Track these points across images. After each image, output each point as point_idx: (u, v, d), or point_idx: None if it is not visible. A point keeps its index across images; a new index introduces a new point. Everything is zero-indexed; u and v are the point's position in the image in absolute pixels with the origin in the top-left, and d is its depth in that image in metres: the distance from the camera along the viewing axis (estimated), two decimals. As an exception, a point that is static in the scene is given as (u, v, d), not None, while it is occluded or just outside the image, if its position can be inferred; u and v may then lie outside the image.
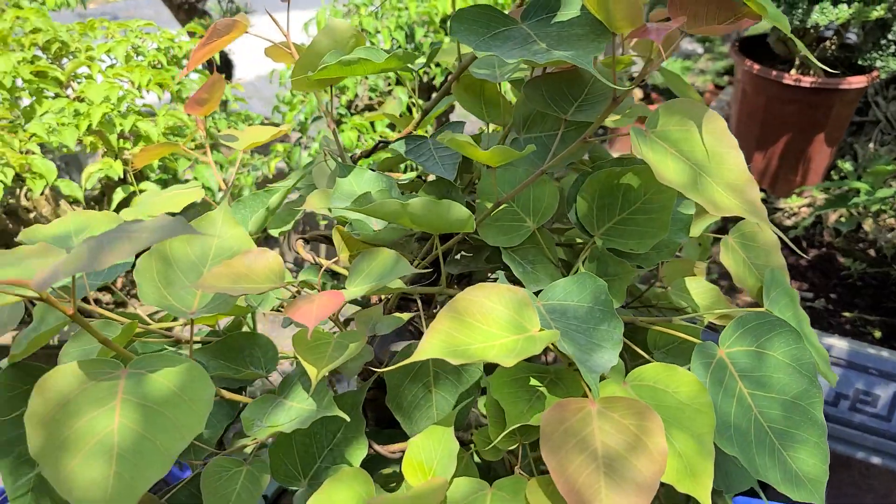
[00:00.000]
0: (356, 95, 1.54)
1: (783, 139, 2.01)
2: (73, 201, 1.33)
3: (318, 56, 0.70)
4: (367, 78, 1.54)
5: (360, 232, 0.62)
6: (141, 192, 1.13)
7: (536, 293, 0.60)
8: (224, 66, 2.79)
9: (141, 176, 1.24)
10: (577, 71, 0.68)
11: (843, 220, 1.83)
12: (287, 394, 0.58)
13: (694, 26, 0.55)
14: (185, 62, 1.35)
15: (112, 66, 1.26)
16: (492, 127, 0.77)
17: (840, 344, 1.35)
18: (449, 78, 0.74)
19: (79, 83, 1.30)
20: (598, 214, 0.64)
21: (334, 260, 0.60)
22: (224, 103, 1.55)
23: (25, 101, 1.23)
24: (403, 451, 0.61)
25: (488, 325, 0.51)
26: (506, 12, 0.64)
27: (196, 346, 0.70)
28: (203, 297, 0.56)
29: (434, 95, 0.78)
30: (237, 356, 0.66)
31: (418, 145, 0.72)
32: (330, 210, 0.68)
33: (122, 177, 1.10)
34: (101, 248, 0.40)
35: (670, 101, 0.58)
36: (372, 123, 1.48)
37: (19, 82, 1.21)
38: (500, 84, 0.73)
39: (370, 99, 1.59)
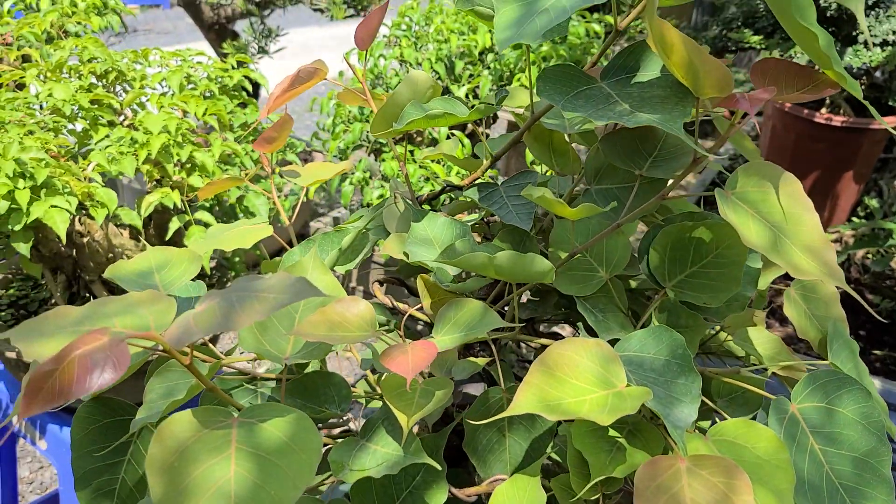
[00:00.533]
0: (397, 126, 1.57)
1: (812, 176, 2.02)
2: (120, 224, 1.35)
3: (398, 106, 0.72)
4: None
5: (444, 280, 0.64)
6: (196, 221, 1.15)
7: (611, 343, 0.62)
8: (253, 88, 2.83)
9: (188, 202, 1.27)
10: (650, 126, 0.70)
11: (871, 257, 1.84)
12: (370, 437, 0.60)
13: (777, 94, 0.57)
14: (233, 92, 1.38)
15: (164, 95, 1.29)
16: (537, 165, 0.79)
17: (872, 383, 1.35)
18: (517, 125, 0.76)
19: (132, 110, 1.33)
20: (670, 267, 0.66)
21: (418, 307, 0.62)
22: (257, 130, 1.57)
23: (78, 126, 1.26)
24: (479, 495, 0.63)
25: (578, 379, 0.53)
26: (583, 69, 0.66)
27: (270, 383, 0.72)
28: (296, 342, 0.58)
29: (489, 133, 0.80)
30: (314, 395, 0.68)
31: (491, 192, 0.74)
32: (406, 255, 0.70)
33: (175, 205, 1.12)
34: (233, 309, 0.42)
35: (748, 163, 0.60)
36: (411, 151, 1.51)
37: (75, 108, 1.24)
38: (568, 135, 0.76)
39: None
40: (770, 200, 0.59)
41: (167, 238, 1.21)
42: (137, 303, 0.52)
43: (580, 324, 0.62)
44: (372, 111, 1.57)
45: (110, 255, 1.29)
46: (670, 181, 0.65)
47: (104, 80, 1.29)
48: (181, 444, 0.46)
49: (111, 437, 0.68)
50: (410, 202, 0.78)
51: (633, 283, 0.78)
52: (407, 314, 0.62)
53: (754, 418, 0.67)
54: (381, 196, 1.44)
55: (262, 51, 2.62)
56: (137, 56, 1.37)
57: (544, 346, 0.67)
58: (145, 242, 1.33)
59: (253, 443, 0.46)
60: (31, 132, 1.11)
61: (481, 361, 0.64)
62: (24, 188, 0.96)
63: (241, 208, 1.18)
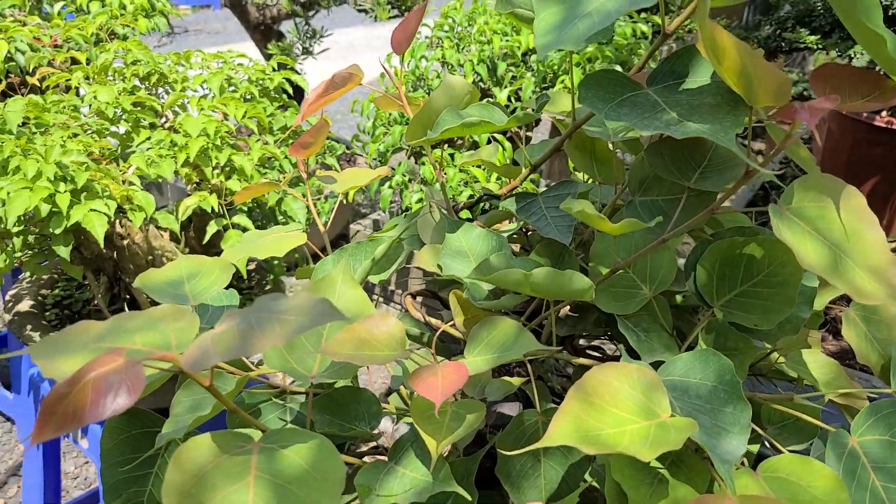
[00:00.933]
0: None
1: (870, 181, 1.94)
2: (161, 226, 1.36)
3: (434, 113, 0.69)
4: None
5: (477, 296, 0.61)
6: (234, 225, 1.15)
7: (654, 365, 0.58)
8: (296, 92, 2.84)
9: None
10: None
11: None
12: (399, 459, 0.58)
13: (839, 102, 0.53)
14: (273, 94, 1.38)
15: (204, 97, 1.29)
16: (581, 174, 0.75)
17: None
18: (558, 131, 0.73)
19: (173, 112, 1.33)
20: (719, 285, 0.62)
21: (450, 323, 0.59)
22: (296, 133, 1.56)
23: (121, 128, 1.27)
24: (512, 522, 0.60)
25: (618, 407, 0.50)
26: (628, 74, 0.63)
27: (299, 397, 0.70)
28: (323, 360, 0.56)
29: (530, 136, 0.77)
30: (343, 411, 0.66)
31: (529, 203, 0.71)
32: (440, 267, 0.67)
33: (213, 209, 1.12)
34: (252, 332, 0.40)
35: (805, 176, 0.56)
36: (451, 155, 1.48)
37: (118, 111, 1.24)
38: (612, 143, 0.72)
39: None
40: (829, 217, 0.55)
41: (205, 241, 1.20)
42: (160, 318, 0.50)
43: (622, 345, 0.59)
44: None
45: (150, 257, 1.29)
46: (720, 194, 0.61)
47: (147, 83, 1.30)
48: (199, 469, 0.44)
49: (139, 449, 0.67)
50: (446, 211, 0.76)
51: (679, 299, 0.74)
52: (440, 331, 0.59)
53: (809, 448, 0.63)
54: (420, 200, 1.41)
55: (307, 52, 2.63)
56: (180, 58, 1.37)
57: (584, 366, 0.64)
58: (184, 246, 1.34)
59: (273, 470, 0.44)
60: (74, 135, 1.11)
61: (516, 382, 0.62)
62: (65, 192, 0.97)
63: (280, 212, 1.18)
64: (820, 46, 1.91)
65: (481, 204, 0.81)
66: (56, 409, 0.39)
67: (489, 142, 1.49)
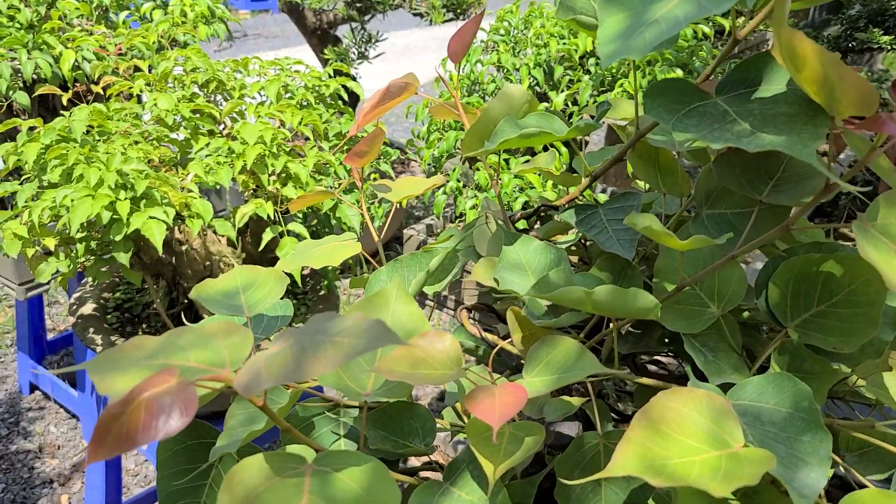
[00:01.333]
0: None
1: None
2: (215, 231, 1.37)
3: (492, 123, 0.68)
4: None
5: (536, 312, 0.59)
6: (289, 232, 1.15)
7: (722, 387, 0.55)
8: (350, 97, 2.85)
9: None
10: (772, 145, 0.62)
11: None
12: (454, 480, 0.56)
13: (930, 112, 0.49)
14: (329, 100, 1.38)
15: (262, 104, 1.30)
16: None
17: None
18: (620, 142, 0.70)
19: (230, 119, 1.35)
20: (793, 304, 0.59)
21: (508, 340, 0.58)
22: (352, 140, 1.56)
23: (179, 135, 1.29)
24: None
25: (685, 436, 0.47)
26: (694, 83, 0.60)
27: (352, 411, 0.69)
28: (377, 378, 0.55)
29: (587, 141, 0.75)
30: (397, 427, 0.64)
31: (589, 216, 0.68)
32: (496, 281, 0.66)
33: (269, 216, 1.12)
34: (306, 356, 0.39)
35: (891, 191, 0.52)
36: (506, 160, 1.46)
37: (177, 118, 1.26)
38: (677, 153, 0.69)
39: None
40: (918, 234, 0.51)
41: (261, 248, 1.21)
42: (213, 335, 0.50)
43: (687, 365, 0.56)
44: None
45: (207, 262, 1.31)
46: (795, 208, 0.57)
47: (205, 90, 1.32)
48: (251, 492, 0.43)
49: (194, 460, 0.67)
50: (502, 223, 0.74)
51: (746, 315, 0.71)
52: (497, 348, 0.57)
53: (891, 477, 0.59)
54: (474, 206, 1.40)
55: (362, 56, 2.64)
56: (237, 65, 1.39)
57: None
58: (241, 251, 1.35)
59: (326, 494, 0.43)
60: (135, 142, 1.13)
61: (576, 401, 0.59)
62: (125, 199, 0.98)
63: (335, 218, 1.17)
64: (893, 46, 1.82)
65: (537, 214, 0.78)
66: (110, 429, 0.39)
67: (546, 149, 1.46)
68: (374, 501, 0.43)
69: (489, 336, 0.62)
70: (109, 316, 1.39)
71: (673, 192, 0.70)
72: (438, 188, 1.48)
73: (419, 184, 0.89)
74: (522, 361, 0.66)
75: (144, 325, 1.39)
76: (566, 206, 0.75)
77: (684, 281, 0.60)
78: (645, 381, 0.59)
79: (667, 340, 0.68)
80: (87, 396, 2.11)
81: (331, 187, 1.22)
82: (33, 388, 2.35)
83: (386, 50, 3.02)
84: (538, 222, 0.82)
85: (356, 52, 2.68)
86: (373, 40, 2.49)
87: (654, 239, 0.56)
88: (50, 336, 2.51)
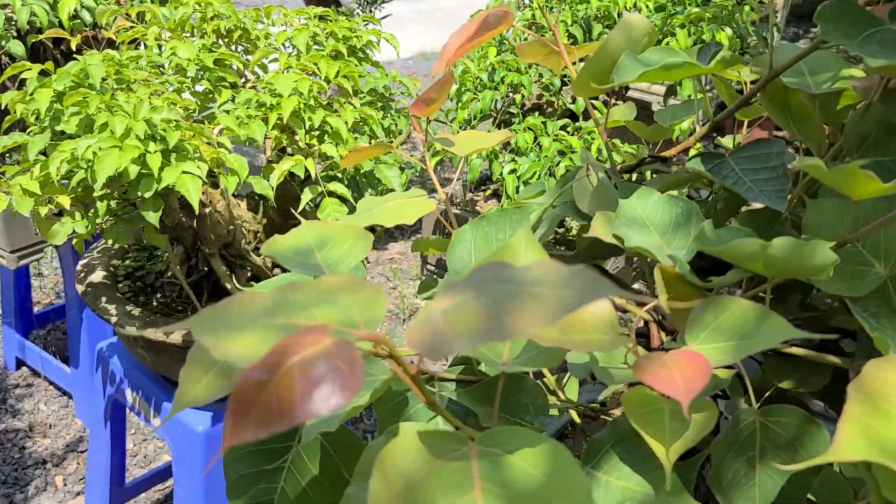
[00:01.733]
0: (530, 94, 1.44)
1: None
2: (237, 195, 1.27)
3: (610, 57, 0.59)
4: (541, 75, 1.44)
5: (683, 271, 0.51)
6: (329, 192, 1.06)
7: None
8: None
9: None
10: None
11: None
12: (597, 464, 0.48)
13: None
14: (360, 53, 1.28)
15: (291, 55, 1.20)
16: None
17: None
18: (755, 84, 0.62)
19: (252, 72, 1.24)
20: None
21: (653, 304, 0.50)
22: (383, 96, 1.46)
23: (199, 87, 1.19)
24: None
25: (908, 413, 0.40)
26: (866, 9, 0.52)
27: (449, 384, 0.61)
28: (514, 345, 0.47)
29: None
30: (504, 403, 0.56)
31: (718, 164, 0.60)
32: (618, 238, 0.57)
33: (308, 174, 1.03)
34: (504, 309, 0.30)
35: None
36: (544, 122, 1.38)
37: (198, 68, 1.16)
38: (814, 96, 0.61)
39: (538, 98, 1.48)
40: None
41: (298, 210, 1.12)
42: (335, 290, 0.41)
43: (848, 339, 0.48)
44: (504, 76, 1.44)
45: (231, 227, 1.21)
46: None
47: (227, 40, 1.21)
48: (409, 478, 0.35)
49: (269, 440, 0.59)
50: (610, 174, 0.66)
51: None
52: (638, 318, 0.49)
53: None
54: (512, 171, 1.31)
55: (368, 18, 2.52)
56: (259, 14, 1.28)
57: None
58: (262, 216, 1.25)
59: (501, 481, 0.35)
60: (157, 92, 1.03)
61: (724, 374, 0.52)
62: (156, 152, 0.88)
63: (372, 180, 1.08)
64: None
65: (639, 169, 0.70)
66: (254, 398, 0.30)
67: (615, 104, 1.38)
68: (560, 491, 0.35)
69: (623, 303, 0.54)
70: (120, 285, 1.29)
71: (808, 140, 0.62)
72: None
73: (486, 138, 0.81)
74: (653, 327, 0.58)
75: (159, 295, 1.29)
76: (676, 156, 0.67)
77: (845, 237, 0.53)
78: (831, 359, 0.52)
79: (806, 310, 0.61)
80: (81, 372, 2.00)
81: (389, 142, 1.13)
82: (20, 363, 2.24)
83: (391, 14, 2.91)
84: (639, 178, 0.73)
85: (360, 15, 2.56)
86: (378, 1, 2.38)
87: (826, 182, 0.48)
88: (36, 310, 2.38)
